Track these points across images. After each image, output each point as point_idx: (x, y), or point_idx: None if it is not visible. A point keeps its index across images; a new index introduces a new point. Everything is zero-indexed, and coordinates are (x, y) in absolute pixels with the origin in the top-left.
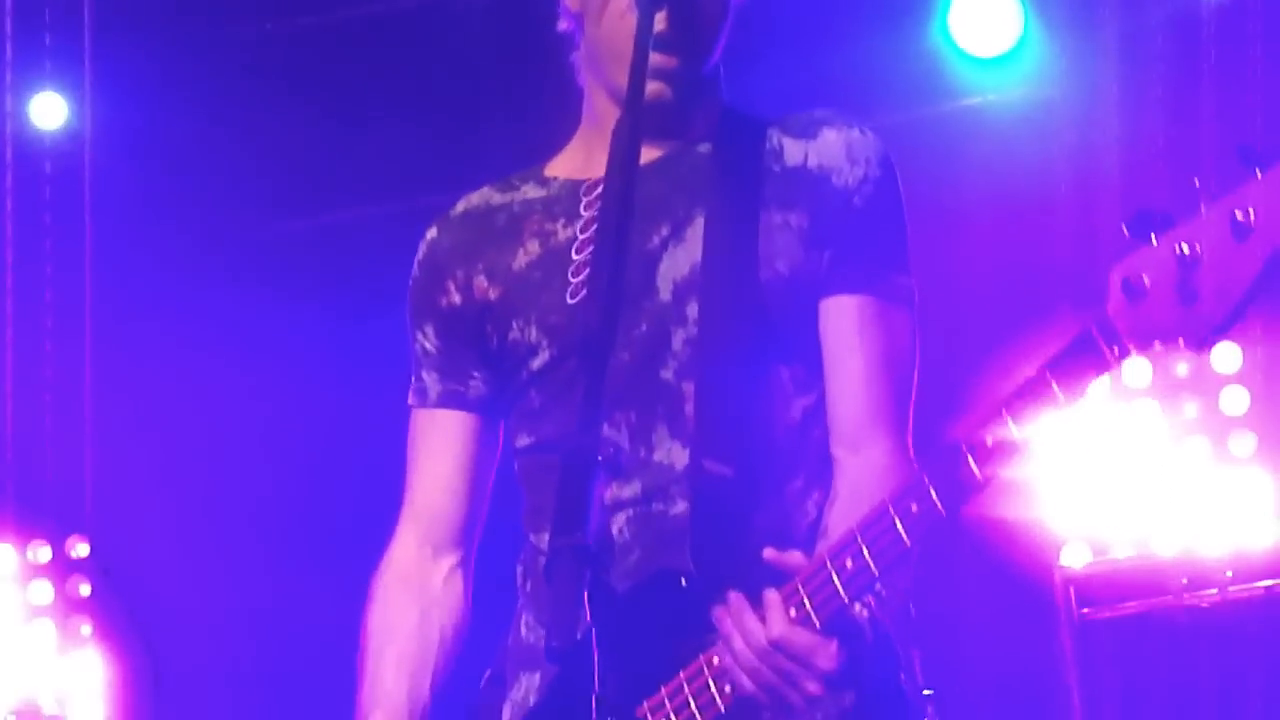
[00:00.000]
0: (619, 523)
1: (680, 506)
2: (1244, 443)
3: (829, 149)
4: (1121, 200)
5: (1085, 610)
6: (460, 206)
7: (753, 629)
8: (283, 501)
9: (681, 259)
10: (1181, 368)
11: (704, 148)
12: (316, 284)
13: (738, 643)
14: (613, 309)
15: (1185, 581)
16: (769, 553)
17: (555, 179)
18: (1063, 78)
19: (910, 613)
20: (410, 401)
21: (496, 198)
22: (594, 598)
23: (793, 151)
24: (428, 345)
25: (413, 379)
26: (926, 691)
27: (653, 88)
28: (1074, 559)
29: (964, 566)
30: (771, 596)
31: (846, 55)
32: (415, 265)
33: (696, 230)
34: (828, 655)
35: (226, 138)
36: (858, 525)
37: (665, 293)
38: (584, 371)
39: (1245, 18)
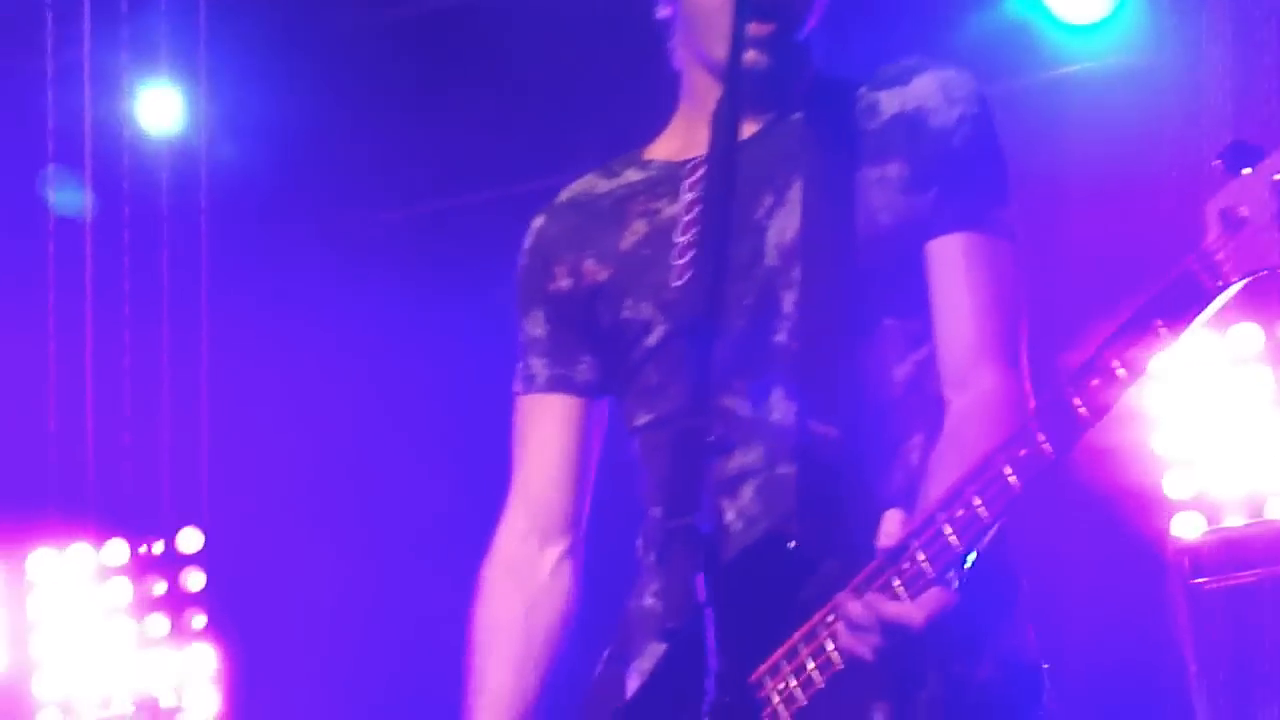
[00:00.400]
0: (747, 492)
1: (789, 468)
2: None
3: (923, 91)
4: None
5: (1200, 580)
6: (565, 194)
7: (862, 615)
8: (392, 492)
9: (786, 225)
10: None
11: (798, 115)
12: (423, 273)
13: (850, 626)
14: (717, 287)
15: None
16: (880, 529)
17: (655, 161)
18: (1161, 45)
19: (1024, 587)
20: (516, 389)
21: (600, 184)
22: (710, 573)
23: (887, 103)
24: (536, 331)
25: (519, 366)
26: (1044, 666)
27: (749, 56)
28: (1187, 528)
29: (1077, 538)
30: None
31: (937, 24)
32: (523, 253)
33: (797, 194)
34: (936, 615)
35: (333, 130)
36: (966, 474)
37: (772, 258)
38: (691, 351)
39: None
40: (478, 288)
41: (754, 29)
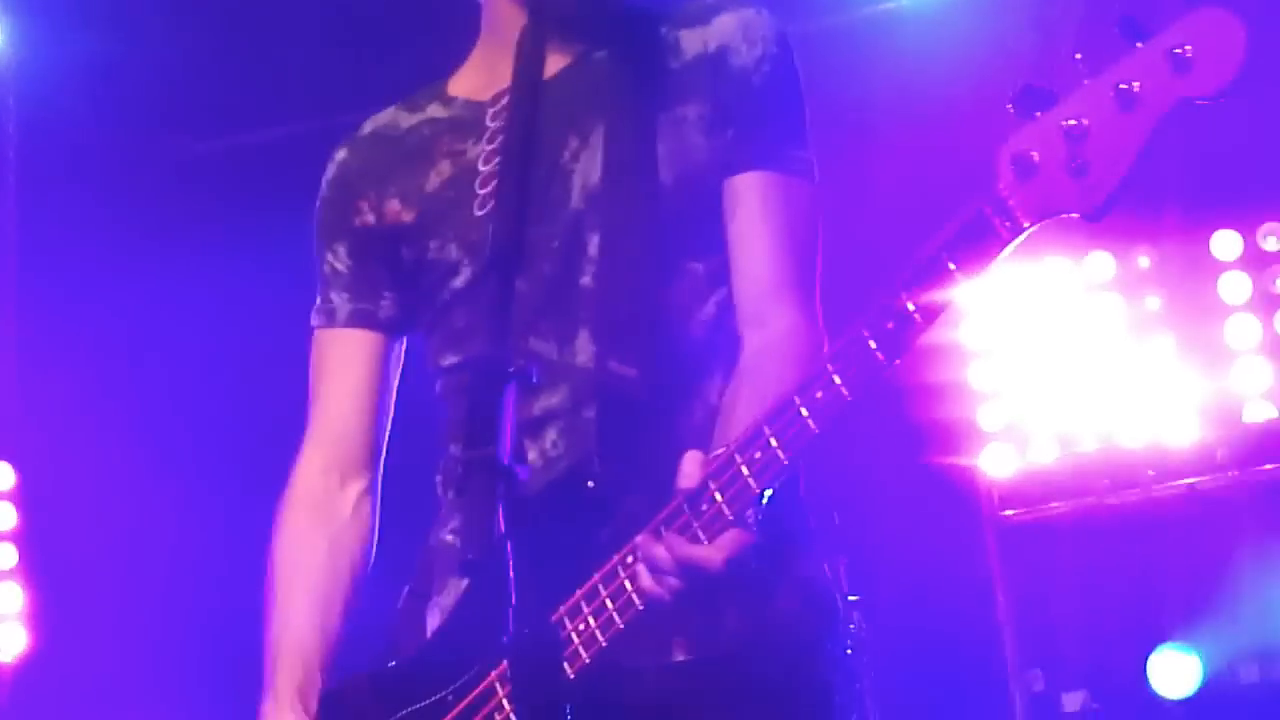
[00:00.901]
0: (550, 435)
1: (592, 411)
2: (1164, 343)
3: (725, 30)
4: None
5: (1008, 513)
6: (368, 127)
7: (662, 557)
8: (196, 425)
9: (590, 168)
10: (1144, 261)
11: (601, 54)
12: (228, 205)
13: (654, 564)
14: (518, 217)
15: (1107, 482)
16: (680, 470)
17: (459, 99)
18: None
19: (834, 520)
20: (314, 322)
21: (404, 118)
22: (509, 508)
23: (689, 41)
24: (338, 265)
25: (318, 300)
26: (852, 597)
27: None
28: (996, 462)
29: (892, 472)
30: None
31: None
32: (324, 185)
33: (600, 138)
34: (735, 556)
35: (145, 58)
36: (763, 415)
37: (577, 201)
38: (494, 283)
39: None
40: (289, 219)
41: None
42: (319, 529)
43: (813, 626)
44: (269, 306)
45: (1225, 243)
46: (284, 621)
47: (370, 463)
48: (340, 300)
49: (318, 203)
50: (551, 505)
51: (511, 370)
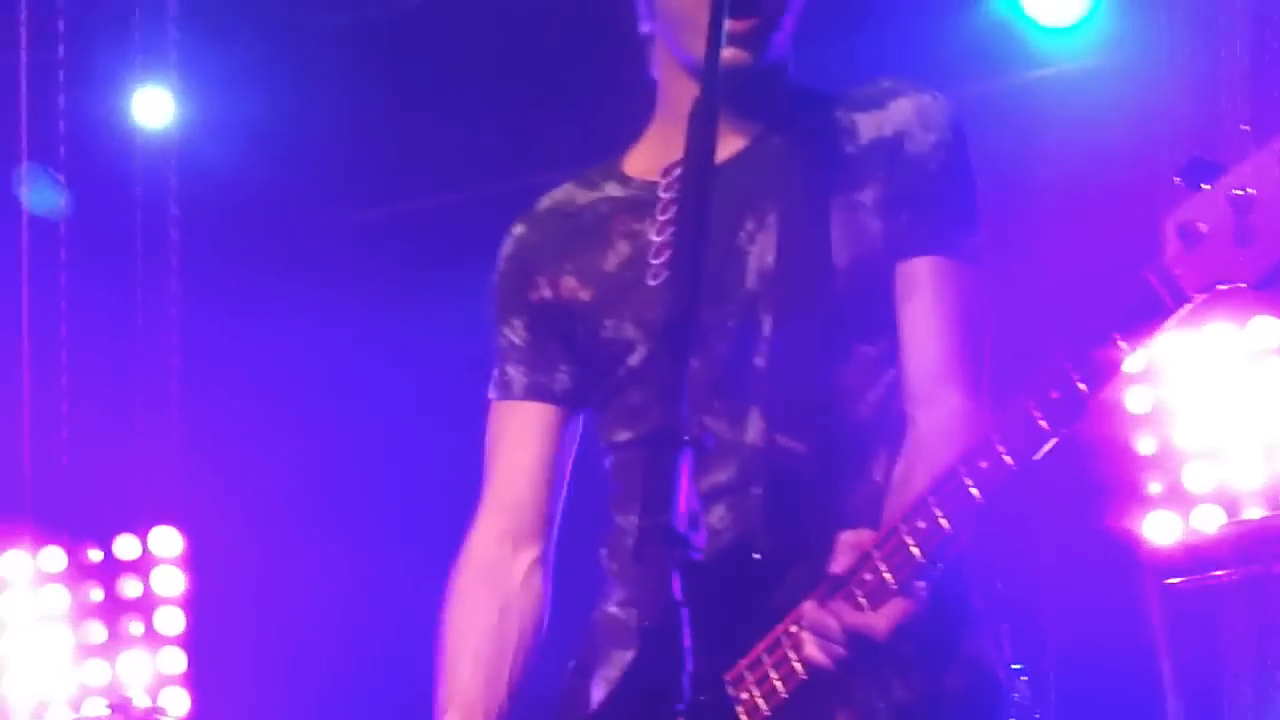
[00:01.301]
0: (718, 511)
1: (760, 489)
2: None
3: (901, 116)
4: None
5: (1172, 580)
6: (545, 203)
7: (827, 624)
8: (366, 495)
9: (766, 249)
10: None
11: (779, 137)
12: (399, 272)
13: (815, 634)
14: (694, 286)
15: (1276, 549)
16: (839, 543)
17: (635, 178)
18: (1130, 49)
19: (995, 589)
20: (491, 395)
21: (580, 195)
22: (685, 575)
23: (865, 126)
24: (514, 339)
25: (495, 372)
26: (1016, 666)
27: (728, 54)
28: (1160, 530)
29: (1053, 538)
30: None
31: (914, 28)
32: (502, 260)
33: (776, 220)
34: (899, 625)
35: (309, 129)
36: (927, 486)
37: (752, 283)
38: (667, 352)
39: None
40: (455, 287)
41: (732, 25)
42: (490, 595)
43: (979, 705)
44: (438, 375)
45: None
46: (452, 687)
47: (543, 533)
48: (516, 373)
49: (495, 277)
50: (718, 577)
51: (687, 439)
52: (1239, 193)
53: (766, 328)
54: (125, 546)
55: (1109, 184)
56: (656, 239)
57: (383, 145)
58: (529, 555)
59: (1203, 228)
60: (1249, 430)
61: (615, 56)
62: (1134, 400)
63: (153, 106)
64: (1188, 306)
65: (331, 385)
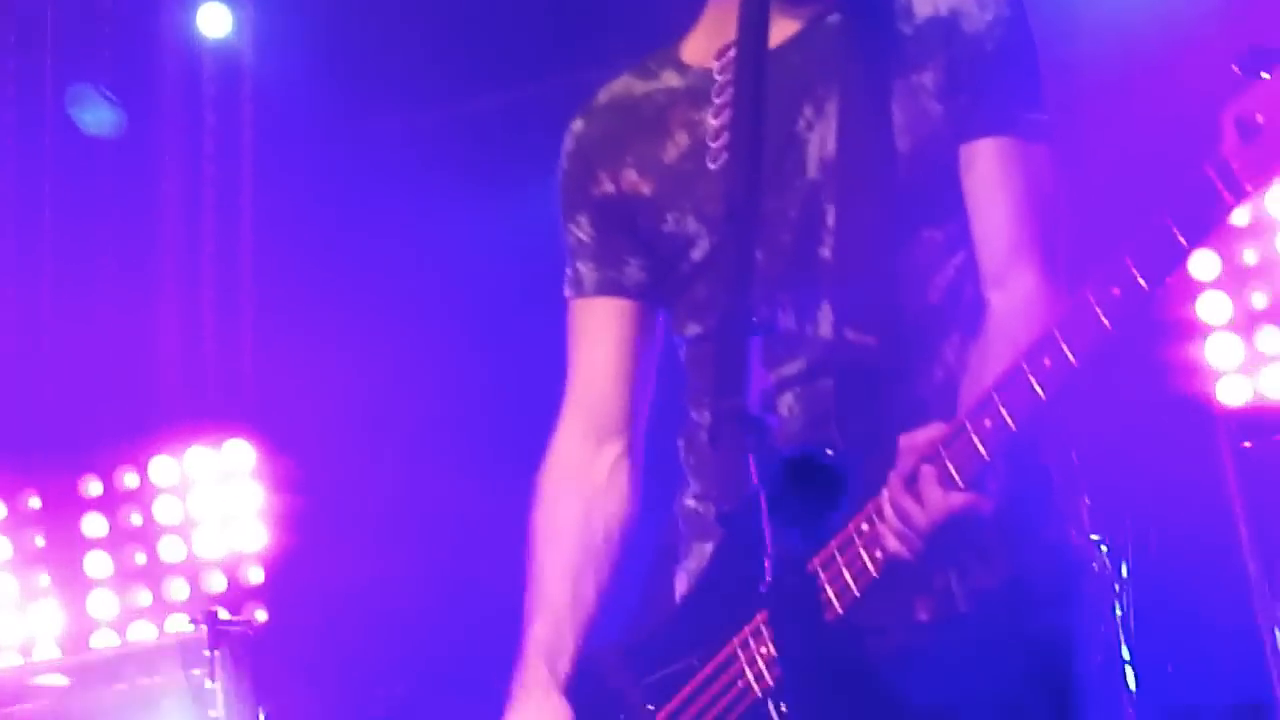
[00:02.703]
0: (787, 401)
1: (829, 381)
2: None
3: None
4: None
5: (1246, 443)
6: (603, 97)
7: (910, 510)
8: (444, 401)
9: (826, 137)
10: (1250, 255)
11: (834, 18)
12: (461, 172)
13: (895, 525)
14: (754, 174)
15: None
16: (904, 439)
17: (693, 67)
18: None
19: (1074, 461)
20: (566, 293)
21: (639, 86)
22: (759, 462)
23: (921, 5)
24: (582, 235)
25: (568, 270)
26: (1094, 537)
27: None
28: (1232, 393)
29: (1126, 406)
30: (926, 471)
31: None
32: (564, 158)
33: (834, 106)
34: (976, 513)
35: (364, 32)
36: (994, 384)
37: (814, 171)
38: (731, 240)
39: None
40: (517, 183)
41: None
42: (577, 495)
43: (1058, 588)
44: (513, 275)
45: None
46: (540, 594)
47: (627, 427)
48: (586, 269)
49: (559, 175)
50: (796, 471)
51: (756, 321)
52: None
53: (830, 217)
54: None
55: (1166, 74)
56: (715, 123)
57: (433, 46)
58: (612, 452)
59: (1260, 119)
60: None
61: None
62: (1200, 268)
63: (207, 17)
64: (1246, 200)
65: (404, 289)
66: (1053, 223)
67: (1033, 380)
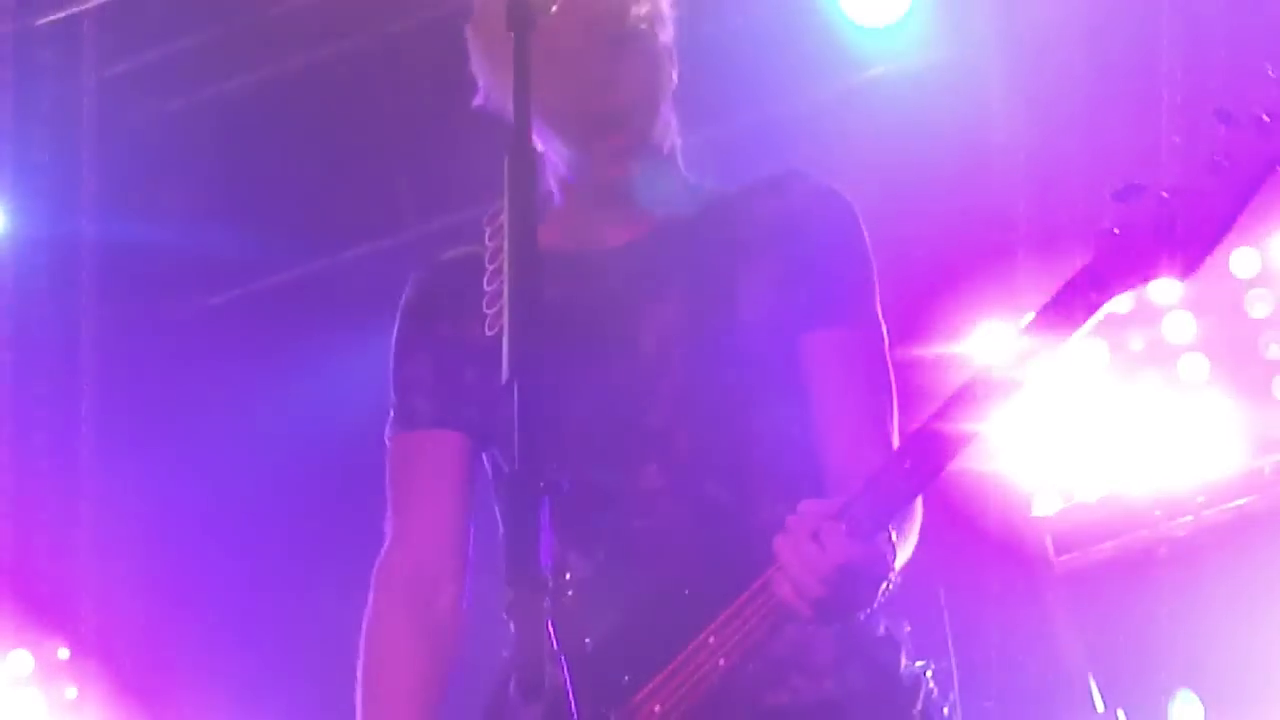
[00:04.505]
0: (601, 549)
1: (645, 523)
2: (1196, 368)
3: (800, 199)
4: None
5: (1064, 557)
6: (450, 253)
7: (812, 553)
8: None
9: (665, 312)
10: (1122, 303)
11: (677, 224)
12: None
13: (798, 568)
14: (527, 335)
15: (1158, 514)
16: (803, 504)
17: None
18: (953, 46)
19: (896, 584)
20: (392, 431)
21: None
22: (556, 623)
23: (765, 209)
24: (421, 371)
25: (394, 410)
26: (920, 663)
27: (613, 171)
28: (1045, 507)
29: (938, 532)
30: (828, 520)
31: (753, 42)
32: (406, 298)
33: (676, 287)
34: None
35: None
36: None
37: (649, 345)
38: (510, 403)
39: None
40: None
41: (609, 143)
42: (418, 639)
43: (884, 705)
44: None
45: (1244, 260)
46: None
47: (464, 563)
48: (424, 404)
49: (400, 314)
50: (636, 615)
51: (543, 484)
52: (1166, 195)
53: (664, 388)
54: None
55: (936, 183)
56: (487, 288)
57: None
58: (451, 592)
59: (1125, 230)
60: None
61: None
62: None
63: None
64: (1110, 302)
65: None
66: (890, 404)
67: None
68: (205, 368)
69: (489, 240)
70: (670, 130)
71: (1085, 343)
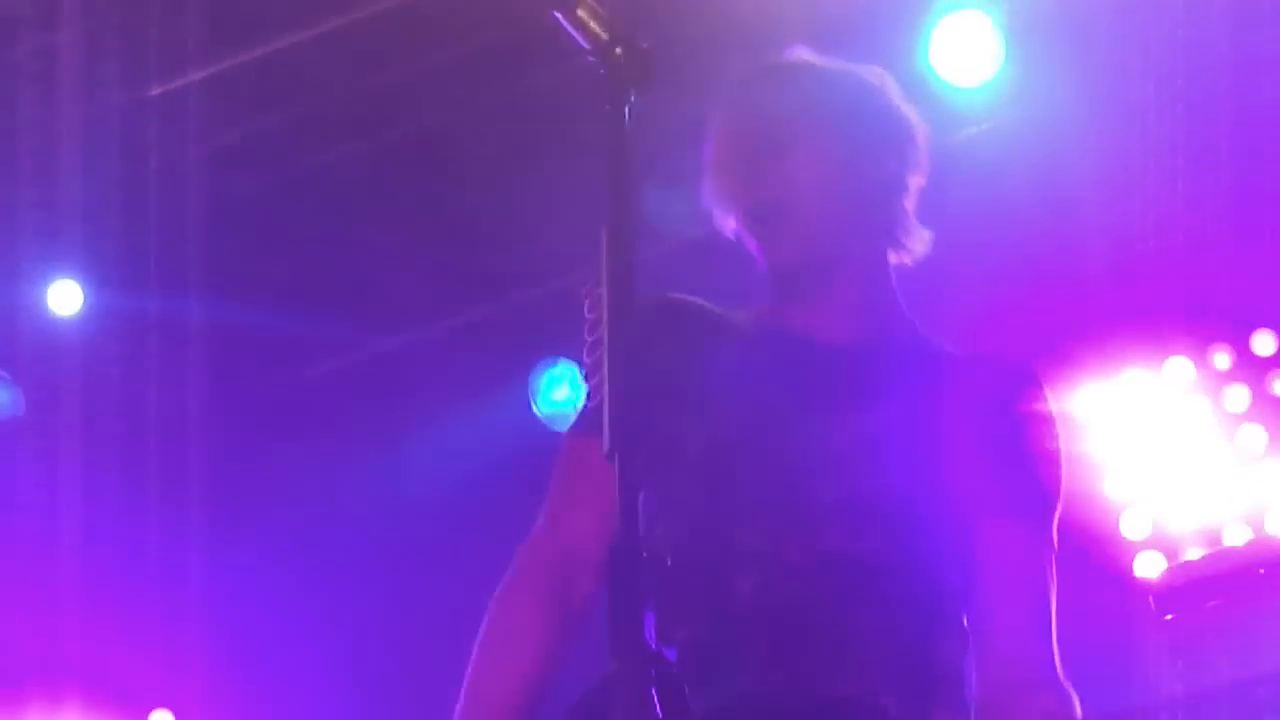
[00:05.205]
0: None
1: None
2: None
3: (1008, 383)
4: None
5: (1169, 617)
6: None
7: None
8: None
9: (863, 421)
10: (1222, 360)
11: (886, 346)
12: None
13: None
14: (624, 411)
15: (1262, 571)
16: None
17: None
18: (1039, 105)
19: None
20: (572, 431)
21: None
22: (663, 693)
23: (975, 374)
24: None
25: (581, 412)
26: None
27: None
28: (1148, 568)
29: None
30: None
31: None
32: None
33: (884, 401)
34: None
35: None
36: None
37: (841, 444)
38: (615, 474)
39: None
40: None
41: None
42: (548, 618)
43: None
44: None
45: None
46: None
47: (595, 578)
48: None
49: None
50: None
51: (646, 556)
52: None
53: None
54: None
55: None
56: (587, 360)
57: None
58: (589, 584)
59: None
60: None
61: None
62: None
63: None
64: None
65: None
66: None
67: None
68: (305, 443)
69: (589, 312)
70: (857, 236)
71: (1188, 400)
